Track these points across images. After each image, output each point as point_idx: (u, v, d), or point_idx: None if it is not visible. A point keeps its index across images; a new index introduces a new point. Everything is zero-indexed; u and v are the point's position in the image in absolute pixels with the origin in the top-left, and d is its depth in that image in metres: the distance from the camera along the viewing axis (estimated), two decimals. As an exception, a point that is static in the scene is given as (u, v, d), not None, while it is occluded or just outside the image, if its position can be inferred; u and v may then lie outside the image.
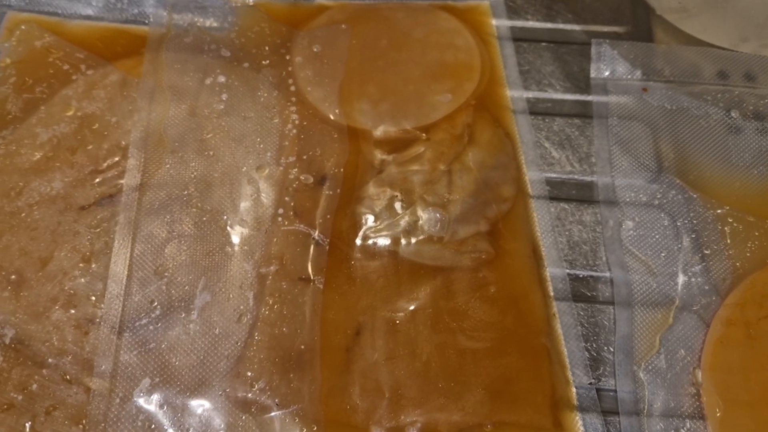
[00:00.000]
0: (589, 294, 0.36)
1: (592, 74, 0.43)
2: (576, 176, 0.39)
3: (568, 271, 0.36)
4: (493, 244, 0.36)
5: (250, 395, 0.31)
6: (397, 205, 0.37)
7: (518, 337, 0.33)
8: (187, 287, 0.34)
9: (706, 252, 0.36)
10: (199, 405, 0.31)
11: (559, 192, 0.39)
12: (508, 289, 0.35)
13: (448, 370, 0.32)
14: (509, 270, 0.35)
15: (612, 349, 0.34)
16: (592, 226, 0.38)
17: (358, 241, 0.36)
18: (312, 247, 0.35)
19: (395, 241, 0.36)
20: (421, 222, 0.36)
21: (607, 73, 0.43)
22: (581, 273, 0.36)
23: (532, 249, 0.36)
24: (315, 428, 0.31)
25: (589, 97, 0.42)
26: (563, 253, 0.37)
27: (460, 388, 0.32)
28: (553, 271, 0.36)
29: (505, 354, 0.33)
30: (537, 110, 0.42)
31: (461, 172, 0.38)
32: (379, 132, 0.39)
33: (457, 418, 0.31)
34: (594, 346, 0.34)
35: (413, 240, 0.36)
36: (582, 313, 0.35)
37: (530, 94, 0.42)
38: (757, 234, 0.37)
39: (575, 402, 0.32)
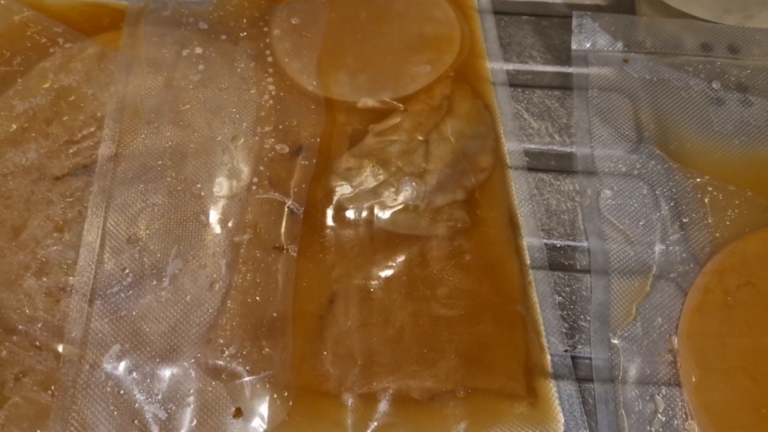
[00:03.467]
0: (566, 263, 0.35)
1: (573, 46, 0.42)
2: (555, 147, 0.39)
3: (545, 240, 0.36)
4: (469, 212, 0.35)
5: (220, 362, 0.31)
6: (373, 175, 0.36)
7: (493, 305, 0.33)
8: (159, 255, 0.33)
9: (685, 221, 0.36)
10: (169, 371, 0.31)
11: (538, 162, 0.39)
12: (484, 257, 0.34)
13: (421, 338, 0.32)
14: (485, 238, 0.35)
15: (588, 318, 0.34)
16: (570, 195, 0.37)
17: (333, 210, 0.35)
18: (286, 216, 0.35)
19: (370, 210, 0.36)
20: (396, 191, 0.36)
21: (587, 45, 0.42)
22: (558, 242, 0.36)
23: (509, 218, 0.36)
24: (286, 394, 0.30)
25: (570, 69, 0.42)
26: (541, 222, 0.36)
27: (433, 354, 0.32)
28: (530, 240, 0.36)
29: (479, 321, 0.33)
30: (517, 82, 0.41)
31: (439, 143, 0.38)
32: (356, 103, 0.39)
33: (430, 385, 0.31)
34: (570, 314, 0.34)
35: (389, 209, 0.36)
36: (559, 281, 0.35)
37: (510, 66, 0.42)
38: (737, 203, 0.36)
39: (550, 369, 0.32)
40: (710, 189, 0.37)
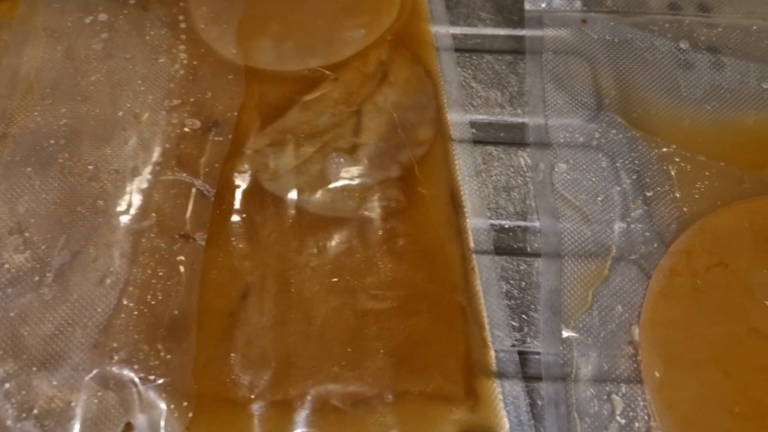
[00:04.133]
0: (515, 246, 0.31)
1: (527, 6, 0.38)
2: (505, 117, 0.35)
3: (492, 221, 0.32)
4: (405, 191, 0.31)
5: (110, 368, 0.27)
6: (296, 152, 0.32)
7: (430, 295, 0.29)
8: (44, 247, 0.29)
9: (649, 195, 0.32)
10: (48, 381, 0.26)
11: (486, 135, 0.34)
12: (420, 241, 0.30)
13: (345, 335, 0.28)
14: (422, 220, 0.31)
15: (539, 308, 0.30)
16: (521, 171, 0.33)
17: (249, 193, 0.31)
18: (194, 199, 0.30)
19: (293, 191, 0.31)
20: (322, 169, 0.32)
21: (543, 5, 0.38)
22: (507, 223, 0.32)
23: (450, 197, 0.32)
24: (185, 404, 0.26)
25: (523, 32, 0.37)
26: (487, 201, 0.32)
27: (358, 354, 0.28)
28: (475, 222, 0.31)
29: (412, 314, 0.29)
30: (464, 47, 0.37)
31: (372, 114, 0.33)
32: (281, 72, 0.35)
33: (354, 389, 0.27)
34: (519, 304, 0.30)
35: (314, 189, 0.31)
36: (507, 267, 0.31)
37: (457, 30, 0.38)
38: (707, 174, 0.32)
39: (494, 367, 0.28)
40: (677, 159, 0.33)
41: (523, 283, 0.30)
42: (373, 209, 0.31)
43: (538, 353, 0.28)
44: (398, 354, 0.28)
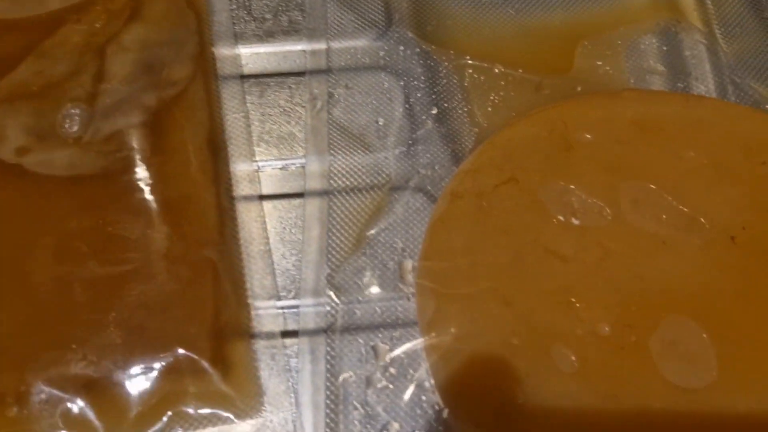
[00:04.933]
0: (285, 190, 0.27)
1: None
2: (283, 46, 0.31)
3: (260, 163, 0.28)
4: (150, 138, 0.27)
5: None
6: (26, 108, 0.28)
7: (173, 253, 0.25)
8: None
9: (435, 113, 0.28)
10: None
11: (258, 67, 0.30)
12: (165, 193, 0.26)
13: (70, 311, 0.24)
14: (168, 169, 0.26)
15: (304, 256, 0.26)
16: (296, 104, 0.29)
17: (-38, 159, 0.27)
18: None
19: (17, 152, 0.27)
20: (54, 124, 0.27)
21: None
22: (278, 163, 0.28)
23: (206, 140, 0.27)
24: None
25: (305, -52, 0.33)
26: (261, 141, 0.28)
27: (84, 331, 0.23)
28: (239, 166, 0.27)
29: (149, 278, 0.24)
30: (237, -28, 0.33)
31: (116, 56, 0.29)
32: (17, 19, 0.30)
33: (78, 371, 0.23)
34: (287, 254, 0.26)
35: (43, 148, 0.27)
36: (274, 213, 0.27)
37: (230, -45, 0.33)
38: (503, 84, 0.28)
39: (249, 328, 0.24)
40: (470, 71, 0.29)
41: (293, 230, 0.26)
42: (110, 162, 0.26)
43: (296, 307, 0.24)
44: (131, 325, 0.23)
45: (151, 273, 0.24)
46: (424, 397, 0.22)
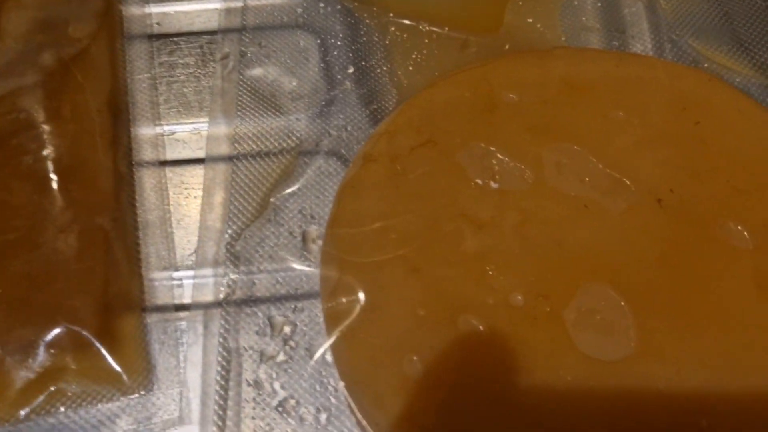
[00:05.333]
0: (190, 158, 0.25)
1: None
2: (196, 4, 0.29)
3: (167, 127, 0.26)
4: (42, 100, 0.25)
5: None
6: None
7: (61, 221, 0.23)
8: None
9: (351, 71, 0.26)
10: None
11: (169, 26, 0.28)
12: (57, 157, 0.24)
13: (-53, 283, 0.22)
14: (62, 132, 0.24)
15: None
16: (209, 65, 0.27)
17: None
18: None
19: None
20: (-59, 85, 0.26)
21: None
22: (184, 128, 0.26)
23: (106, 103, 0.25)
24: None
25: None
26: (168, 104, 0.26)
27: (-40, 305, 0.22)
28: (141, 131, 0.25)
29: (34, 247, 0.23)
30: (155, -74, 0.31)
31: (14, 13, 0.27)
32: None
33: (-50, 349, 0.21)
34: (186, 223, 0.24)
35: (-72, 111, 0.25)
36: (175, 181, 0.25)
37: None
38: (426, 42, 0.27)
39: (141, 300, 0.22)
40: (393, 29, 0.27)
41: (197, 198, 0.24)
42: (2, 125, 0.25)
43: (192, 278, 0.23)
44: (11, 298, 0.22)
45: (37, 242, 0.23)
46: (323, 372, 0.21)
